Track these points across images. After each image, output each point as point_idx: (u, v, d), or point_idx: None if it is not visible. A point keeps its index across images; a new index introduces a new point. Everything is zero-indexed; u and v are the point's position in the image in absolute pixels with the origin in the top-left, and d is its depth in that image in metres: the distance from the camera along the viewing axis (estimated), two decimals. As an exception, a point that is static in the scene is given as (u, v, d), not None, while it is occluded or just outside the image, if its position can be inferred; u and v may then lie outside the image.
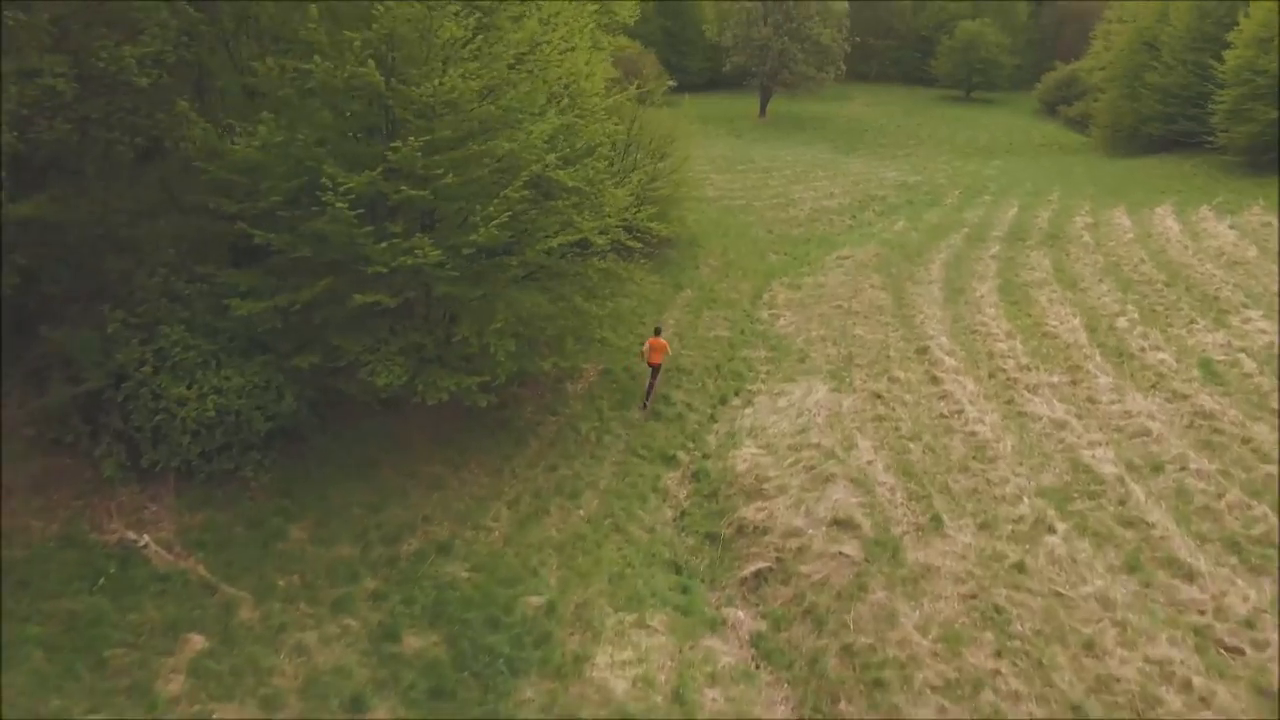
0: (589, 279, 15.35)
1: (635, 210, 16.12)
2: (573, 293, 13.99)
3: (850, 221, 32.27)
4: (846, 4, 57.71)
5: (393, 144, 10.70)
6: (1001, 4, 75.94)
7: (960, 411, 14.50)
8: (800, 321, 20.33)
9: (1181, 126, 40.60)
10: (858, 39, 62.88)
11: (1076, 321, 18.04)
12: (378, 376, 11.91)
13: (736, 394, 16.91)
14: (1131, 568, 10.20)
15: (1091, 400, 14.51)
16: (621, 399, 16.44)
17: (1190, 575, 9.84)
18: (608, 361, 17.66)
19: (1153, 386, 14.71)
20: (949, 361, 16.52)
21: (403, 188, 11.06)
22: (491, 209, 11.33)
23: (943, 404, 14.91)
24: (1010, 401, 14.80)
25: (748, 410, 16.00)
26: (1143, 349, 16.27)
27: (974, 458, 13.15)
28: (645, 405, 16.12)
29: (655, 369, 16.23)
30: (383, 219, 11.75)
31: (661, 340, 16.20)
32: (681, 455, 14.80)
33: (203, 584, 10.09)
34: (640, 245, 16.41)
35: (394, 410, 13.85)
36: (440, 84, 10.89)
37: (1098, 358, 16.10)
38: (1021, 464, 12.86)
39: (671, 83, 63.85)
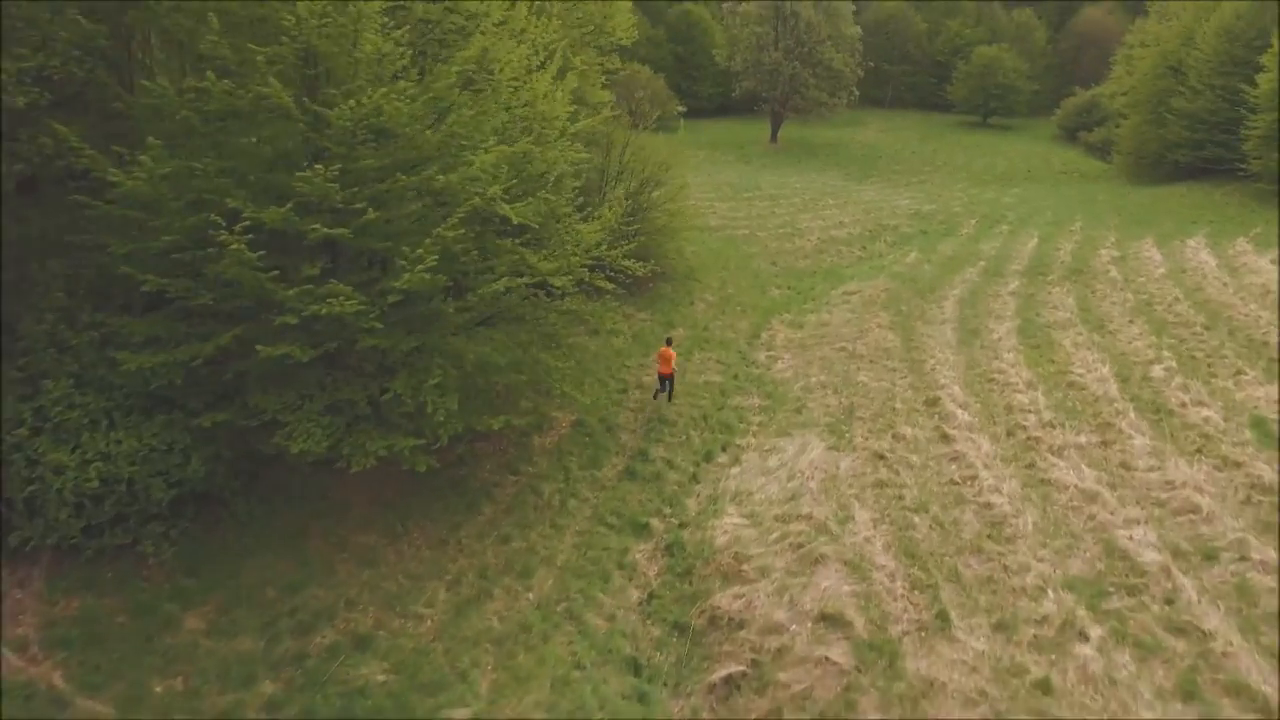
0: (550, 324, 13.76)
1: (609, 247, 14.55)
2: (531, 341, 12.37)
3: (860, 253, 30.56)
4: (859, 29, 56.37)
5: (299, 173, 9.17)
6: (1019, 29, 74.54)
7: (974, 477, 12.65)
8: (799, 365, 18.57)
9: (1210, 153, 38.73)
10: (871, 64, 61.60)
11: (1105, 370, 16.15)
12: (294, 441, 10.31)
13: (724, 449, 15.14)
14: (1187, 693, 8.28)
15: (1126, 466, 12.61)
16: (594, 455, 14.74)
17: (1266, 709, 7.91)
18: (582, 411, 16.04)
19: (1198, 450, 12.78)
20: (962, 416, 14.68)
21: (317, 225, 9.53)
22: (421, 249, 9.76)
23: (954, 467, 13.06)
24: (1031, 466, 12.92)
25: (734, 469, 14.23)
26: (1183, 404, 14.35)
27: (989, 536, 11.27)
28: (670, 397, 16.81)
29: (664, 378, 16.65)
30: (299, 260, 10.22)
31: (670, 351, 16.64)
32: (655, 523, 13.03)
33: (55, 697, 8.44)
34: (613, 286, 14.75)
35: (330, 469, 12.24)
36: (360, 105, 9.38)
37: (1131, 414, 14.20)
38: (1045, 545, 10.97)
39: (681, 108, 63.27)
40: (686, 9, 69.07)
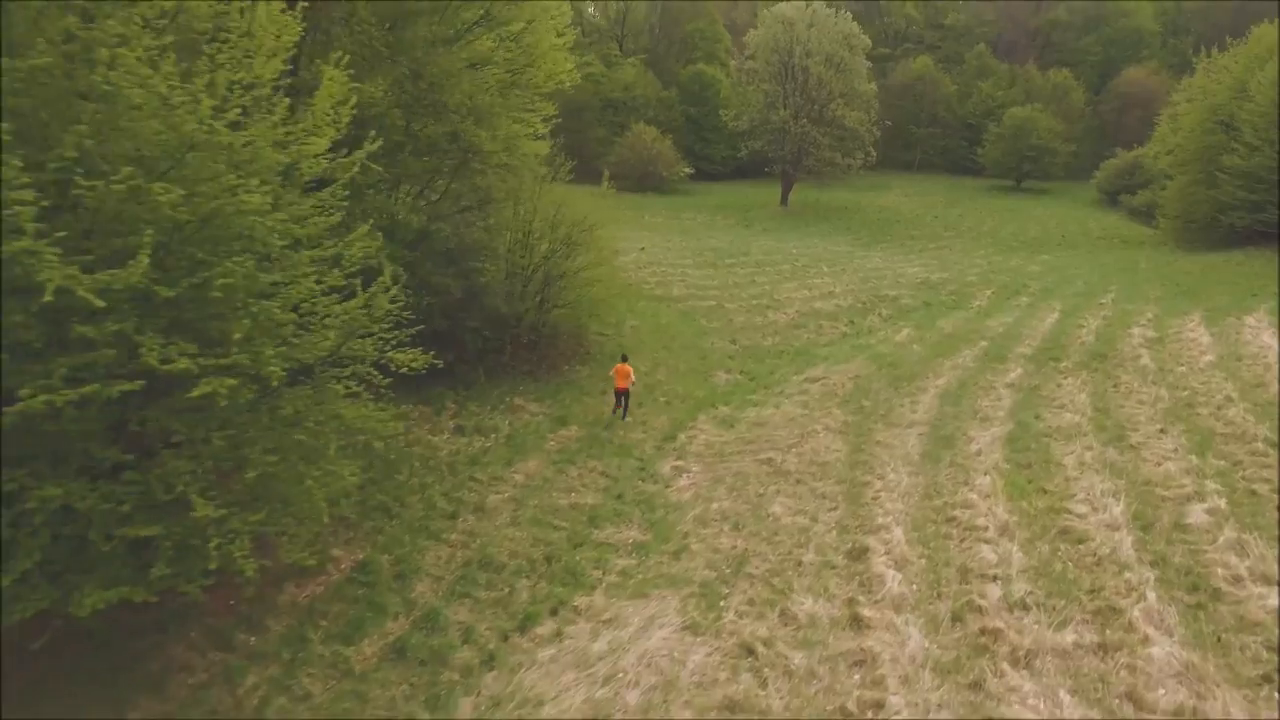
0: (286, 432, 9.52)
1: (391, 329, 10.34)
2: (191, 492, 8.03)
3: (845, 328, 25.98)
4: (874, 86, 52.77)
5: None
6: (1054, 90, 70.27)
7: (881, 704, 7.81)
8: (706, 484, 13.95)
9: (1270, 216, 33.47)
10: (889, 123, 57.91)
11: (1119, 509, 11.17)
12: None
13: (553, 613, 10.50)
14: None
15: (1135, 700, 7.63)
16: (357, 619, 10.25)
17: None
18: (377, 548, 11.69)
19: (1263, 678, 7.75)
20: (892, 582, 9.87)
21: None
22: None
23: (853, 680, 8.24)
24: (977, 687, 8.02)
25: (548, 652, 9.59)
26: (1236, 578, 9.31)
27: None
28: (624, 414, 17.20)
29: (620, 394, 17.08)
30: None
31: (627, 367, 17.11)
32: (391, 749, 8.46)
33: None
34: (386, 380, 10.51)
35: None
36: None
37: (1152, 593, 9.20)
38: None
39: (687, 170, 60.20)
40: (699, 70, 66.81)
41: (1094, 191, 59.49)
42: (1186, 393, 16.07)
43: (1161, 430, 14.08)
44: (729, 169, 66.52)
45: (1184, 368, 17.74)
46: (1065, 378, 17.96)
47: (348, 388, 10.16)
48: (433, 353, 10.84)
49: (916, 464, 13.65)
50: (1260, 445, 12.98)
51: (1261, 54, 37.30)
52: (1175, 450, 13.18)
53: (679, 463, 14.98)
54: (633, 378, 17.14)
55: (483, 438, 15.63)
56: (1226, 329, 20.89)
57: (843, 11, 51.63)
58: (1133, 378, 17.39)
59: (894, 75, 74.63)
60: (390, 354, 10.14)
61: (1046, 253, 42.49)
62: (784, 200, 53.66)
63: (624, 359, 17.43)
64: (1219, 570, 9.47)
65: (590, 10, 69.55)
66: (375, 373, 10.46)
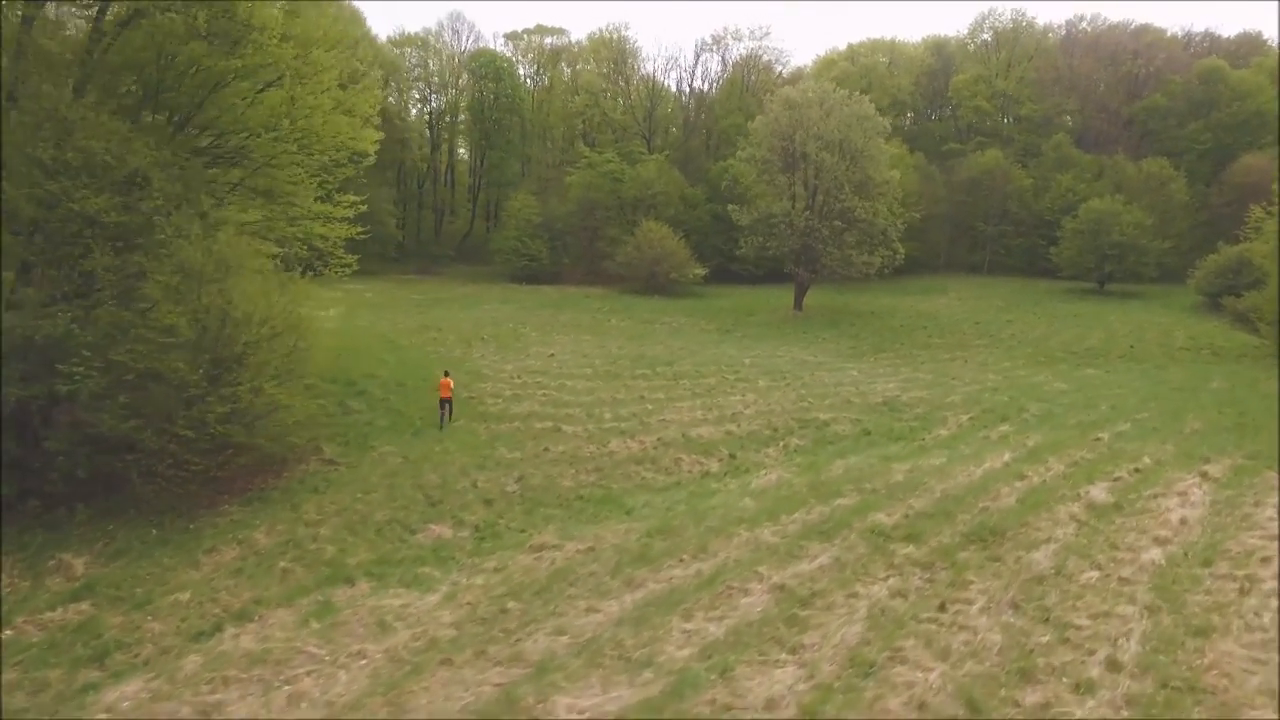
0: None
1: None
2: None
3: (714, 464, 19.17)
4: (897, 173, 45.98)
5: None
6: (1148, 181, 60.56)
7: None
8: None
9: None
10: (917, 215, 50.46)
11: None
12: None
13: None
14: None
15: None
16: None
17: None
18: None
19: None
20: None
21: None
22: None
23: None
24: None
25: None
26: None
27: None
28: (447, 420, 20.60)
29: (444, 402, 20.61)
30: None
31: (448, 380, 21.11)
32: None
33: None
34: None
35: None
36: None
37: None
38: None
39: (699, 270, 54.74)
40: (727, 164, 62.37)
41: (1194, 294, 48.98)
42: (1055, 637, 8.38)
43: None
44: (762, 271, 60.49)
45: (1098, 573, 9.90)
46: (886, 576, 10.50)
47: None
48: None
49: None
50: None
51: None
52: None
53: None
54: (452, 387, 21.09)
55: None
56: (1242, 492, 12.64)
57: (856, 94, 45.92)
58: (989, 583, 9.76)
59: (959, 170, 67.47)
60: None
61: (1094, 367, 33.39)
62: (798, 304, 46.82)
63: (446, 374, 21.67)
64: None
65: (616, 110, 67.47)
66: None
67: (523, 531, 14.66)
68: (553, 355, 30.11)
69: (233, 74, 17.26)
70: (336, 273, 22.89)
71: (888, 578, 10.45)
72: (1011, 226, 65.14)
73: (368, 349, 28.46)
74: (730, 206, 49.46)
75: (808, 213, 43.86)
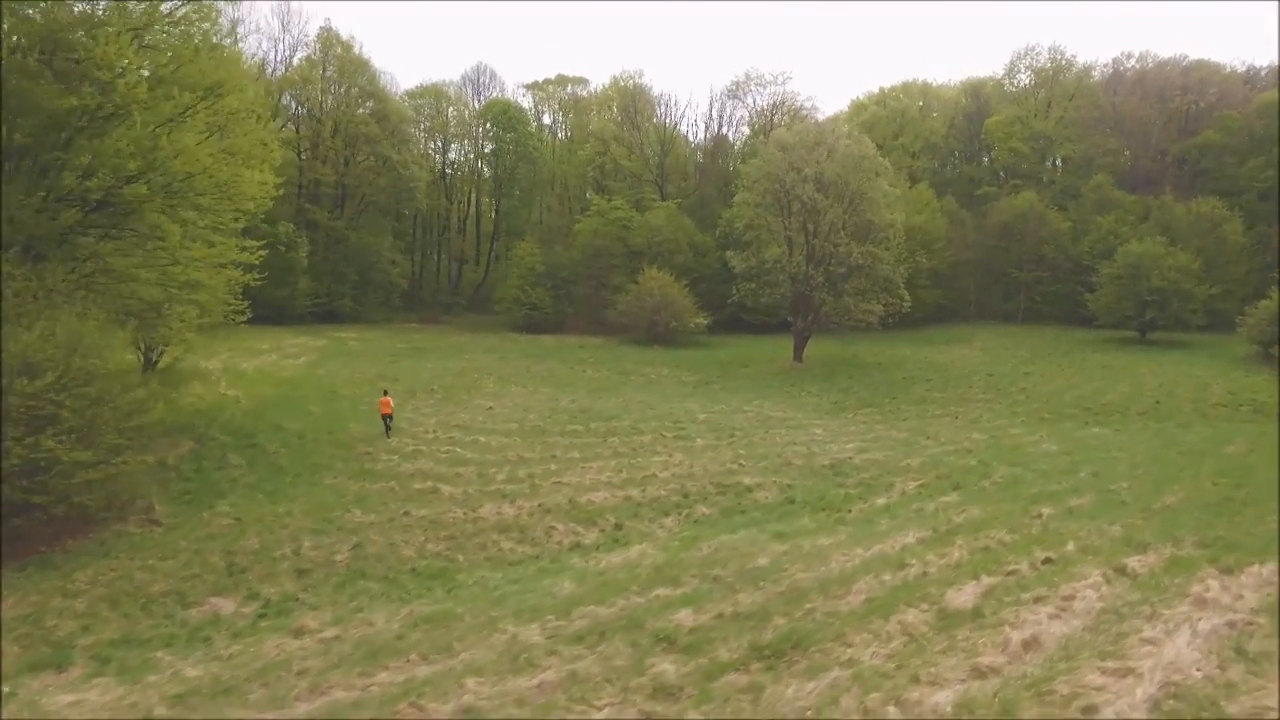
0: None
1: None
2: None
3: (592, 536, 17.06)
4: (900, 216, 43.17)
5: None
6: (1198, 222, 55.92)
7: None
8: None
9: None
10: (925, 262, 47.34)
11: None
12: None
13: None
14: None
15: None
16: None
17: None
18: None
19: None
20: None
21: None
22: None
23: None
24: None
25: None
26: None
27: None
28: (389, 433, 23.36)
29: (386, 418, 23.28)
30: None
31: (388, 399, 23.65)
32: None
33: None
34: None
35: None
36: None
37: None
38: None
39: (700, 319, 52.55)
40: (732, 210, 60.61)
41: (1246, 344, 44.18)
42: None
43: None
44: (775, 320, 57.86)
45: None
46: (604, 705, 8.11)
47: None
48: None
49: None
50: None
51: None
52: None
53: None
54: (392, 405, 23.62)
55: None
56: (1152, 595, 9.77)
57: (856, 133, 43.69)
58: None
59: (992, 214, 64.02)
60: None
61: (1105, 425, 29.68)
62: (797, 355, 44.01)
63: (385, 393, 24.36)
64: None
65: (627, 156, 66.66)
66: None
67: (314, 609, 12.77)
68: (491, 409, 28.39)
69: (73, 113, 16.42)
70: (232, 320, 21.77)
71: (604, 707, 8.07)
72: (1048, 272, 61.01)
73: (301, 399, 27.34)
74: (728, 253, 47.51)
75: (799, 259, 41.45)
